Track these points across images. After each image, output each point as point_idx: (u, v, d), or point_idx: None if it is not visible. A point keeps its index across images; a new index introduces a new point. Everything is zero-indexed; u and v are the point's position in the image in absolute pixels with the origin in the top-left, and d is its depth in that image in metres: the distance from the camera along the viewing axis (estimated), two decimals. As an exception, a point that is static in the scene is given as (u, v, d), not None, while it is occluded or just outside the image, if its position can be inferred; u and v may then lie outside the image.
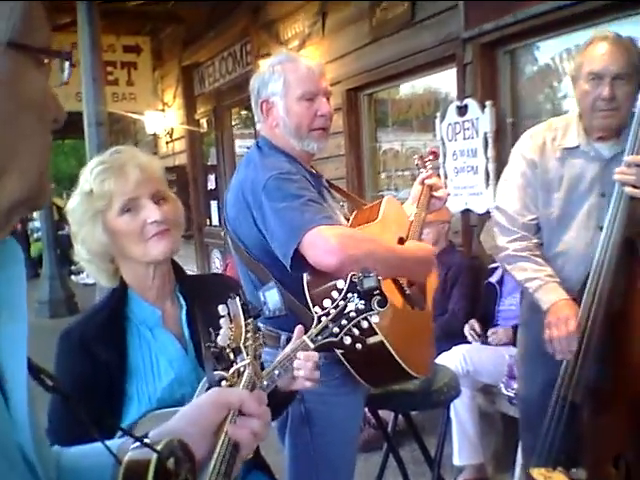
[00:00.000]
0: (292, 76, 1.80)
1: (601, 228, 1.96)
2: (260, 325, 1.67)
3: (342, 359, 1.60)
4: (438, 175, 2.31)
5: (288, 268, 1.63)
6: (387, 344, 1.58)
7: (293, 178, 1.69)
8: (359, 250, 1.58)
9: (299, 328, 1.37)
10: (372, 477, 2.80)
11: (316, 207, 1.65)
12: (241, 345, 1.17)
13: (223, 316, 1.21)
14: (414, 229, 1.98)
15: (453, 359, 3.28)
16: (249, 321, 1.23)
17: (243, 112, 7.42)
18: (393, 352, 1.59)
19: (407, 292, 1.79)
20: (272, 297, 1.27)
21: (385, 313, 1.26)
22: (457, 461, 3.18)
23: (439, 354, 3.37)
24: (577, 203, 2.04)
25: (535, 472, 1.57)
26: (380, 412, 2.90)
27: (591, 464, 1.81)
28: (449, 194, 2.23)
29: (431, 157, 2.29)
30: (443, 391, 2.28)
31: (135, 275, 1.48)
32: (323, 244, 1.56)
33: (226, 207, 1.87)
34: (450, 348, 3.39)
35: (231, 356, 1.16)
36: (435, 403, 2.33)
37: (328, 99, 1.86)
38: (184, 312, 1.50)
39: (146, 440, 0.80)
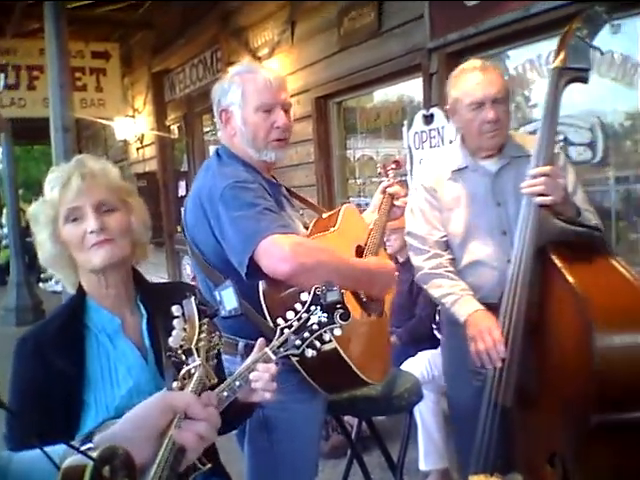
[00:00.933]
0: (250, 87, 1.81)
1: (504, 233, 2.13)
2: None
3: (297, 366, 1.62)
4: (402, 184, 2.35)
5: (244, 276, 1.63)
6: (341, 351, 1.59)
7: (250, 187, 1.70)
8: (311, 259, 1.60)
9: (261, 341, 1.38)
10: (337, 483, 2.81)
11: (272, 216, 1.66)
12: (192, 347, 1.18)
13: (177, 317, 1.22)
14: (373, 237, 2.01)
15: (419, 364, 3.32)
16: (204, 321, 1.23)
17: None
18: (347, 359, 1.61)
19: (364, 300, 1.81)
20: (228, 296, 1.28)
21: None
22: (423, 466, 3.21)
23: (405, 359, 3.41)
24: (478, 216, 2.19)
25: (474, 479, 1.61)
26: (346, 418, 2.92)
27: (527, 466, 1.86)
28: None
29: (393, 166, 2.37)
30: (404, 396, 2.30)
31: (90, 283, 1.50)
32: (277, 252, 1.58)
33: (185, 214, 1.87)
34: (416, 353, 3.44)
35: (182, 357, 1.16)
36: (397, 408, 2.35)
37: (287, 111, 1.86)
38: (145, 321, 1.51)
39: (88, 445, 0.81)
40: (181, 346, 1.18)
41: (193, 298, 1.26)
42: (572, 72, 1.89)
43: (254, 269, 1.62)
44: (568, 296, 1.71)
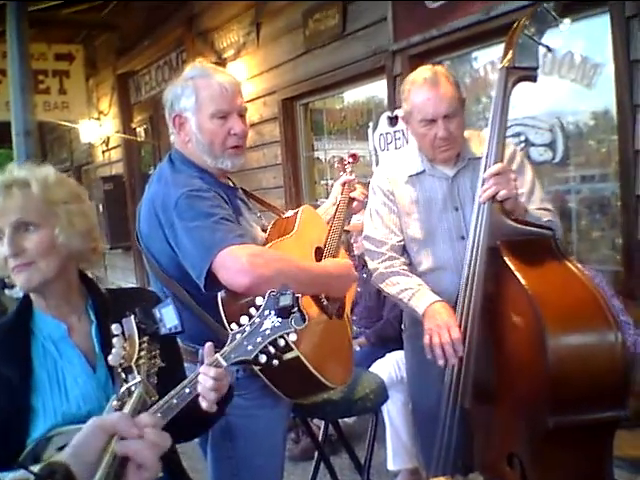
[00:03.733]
0: (204, 93, 1.77)
1: (463, 238, 2.10)
2: (179, 341, 1.67)
3: (259, 373, 1.61)
4: (364, 185, 2.37)
5: (202, 288, 1.61)
6: (303, 359, 1.58)
7: (205, 195, 1.67)
8: (270, 269, 1.57)
9: (208, 345, 1.34)
10: (306, 486, 2.81)
11: (228, 226, 1.63)
12: (132, 364, 1.17)
13: (117, 335, 1.20)
14: (332, 238, 2.01)
15: (387, 365, 3.34)
16: (144, 339, 1.23)
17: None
18: (310, 366, 1.60)
19: (324, 302, 1.80)
20: (168, 314, 1.26)
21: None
22: (391, 466, 3.23)
23: (374, 361, 3.43)
24: (436, 221, 2.18)
25: None
26: (315, 420, 2.92)
27: (486, 466, 1.87)
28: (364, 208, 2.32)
29: (350, 160, 2.38)
30: (369, 398, 2.31)
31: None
32: (234, 265, 1.55)
33: (139, 222, 1.83)
34: (384, 355, 3.45)
35: (122, 375, 1.15)
36: (362, 410, 2.36)
37: (242, 117, 1.83)
38: (94, 327, 1.48)
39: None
40: (121, 364, 1.17)
41: (133, 317, 1.24)
42: (520, 71, 1.86)
43: (212, 280, 1.59)
44: (521, 297, 1.71)
